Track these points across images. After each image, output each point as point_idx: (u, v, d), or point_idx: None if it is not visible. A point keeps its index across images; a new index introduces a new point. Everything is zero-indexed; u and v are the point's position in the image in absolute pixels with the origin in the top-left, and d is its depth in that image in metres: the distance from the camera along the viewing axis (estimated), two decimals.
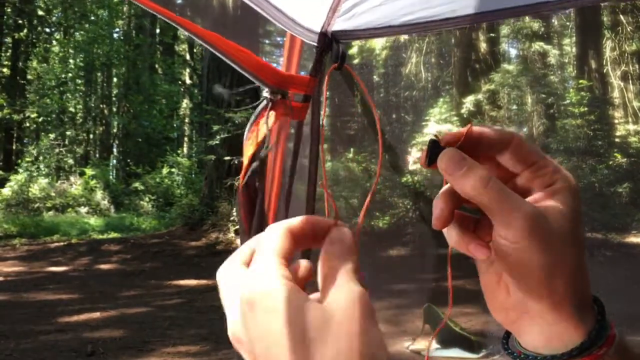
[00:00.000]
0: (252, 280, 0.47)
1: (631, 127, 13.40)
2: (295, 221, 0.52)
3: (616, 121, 13.57)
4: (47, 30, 26.70)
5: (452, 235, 0.59)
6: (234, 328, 0.48)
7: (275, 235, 0.50)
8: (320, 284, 0.49)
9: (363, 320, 0.44)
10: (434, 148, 0.57)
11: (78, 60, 25.93)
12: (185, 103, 29.32)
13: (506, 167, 0.58)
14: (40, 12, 24.81)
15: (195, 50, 26.31)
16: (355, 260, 0.49)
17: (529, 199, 0.55)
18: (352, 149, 15.08)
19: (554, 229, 0.52)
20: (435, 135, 0.58)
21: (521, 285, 0.54)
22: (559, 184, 0.55)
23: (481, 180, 0.52)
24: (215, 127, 12.74)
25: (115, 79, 28.23)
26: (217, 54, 1.11)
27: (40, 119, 23.79)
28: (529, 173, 0.57)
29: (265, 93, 1.14)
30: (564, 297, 0.52)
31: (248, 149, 1.23)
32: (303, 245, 0.52)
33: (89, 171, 20.21)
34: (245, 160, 1.22)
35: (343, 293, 0.46)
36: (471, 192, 0.53)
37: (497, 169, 0.58)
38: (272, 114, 1.15)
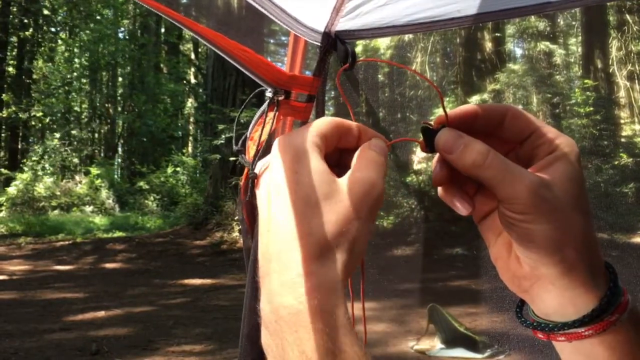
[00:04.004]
0: (290, 134, 0.55)
1: (637, 127, 13.35)
2: (346, 120, 0.59)
3: (622, 121, 13.51)
4: (53, 29, 26.80)
5: (441, 188, 0.60)
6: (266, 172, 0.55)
7: (322, 120, 0.56)
8: (352, 163, 0.55)
9: (359, 207, 0.50)
10: (429, 134, 0.57)
11: (83, 59, 26.05)
12: (190, 102, 29.38)
13: (507, 140, 0.59)
14: (45, 12, 24.88)
15: (200, 50, 26.37)
16: (385, 163, 0.55)
17: (531, 168, 0.55)
18: None
19: (558, 197, 0.52)
20: (425, 122, 0.58)
21: (531, 255, 0.54)
22: (560, 150, 0.55)
23: (480, 155, 0.53)
24: (220, 127, 12.75)
25: (120, 79, 28.34)
26: (220, 53, 1.11)
27: (47, 119, 23.89)
28: (529, 142, 0.57)
29: (269, 93, 1.13)
30: (575, 263, 0.52)
31: (251, 149, 1.23)
32: (347, 140, 0.58)
33: (94, 170, 20.27)
34: (248, 159, 1.22)
35: (359, 177, 0.52)
36: (472, 167, 0.54)
37: (498, 143, 0.59)
38: (276, 114, 1.14)
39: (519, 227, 0.53)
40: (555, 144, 0.55)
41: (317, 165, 0.51)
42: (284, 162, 0.52)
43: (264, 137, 1.24)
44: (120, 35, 27.64)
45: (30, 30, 24.43)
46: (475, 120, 0.58)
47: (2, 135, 24.49)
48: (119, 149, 27.77)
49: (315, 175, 0.51)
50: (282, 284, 0.48)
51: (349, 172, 0.53)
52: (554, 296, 0.54)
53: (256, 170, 0.57)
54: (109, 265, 10.65)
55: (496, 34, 14.42)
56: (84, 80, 26.85)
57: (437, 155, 0.58)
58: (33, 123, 24.57)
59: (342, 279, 0.49)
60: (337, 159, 0.58)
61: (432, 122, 0.59)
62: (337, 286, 0.48)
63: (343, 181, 0.52)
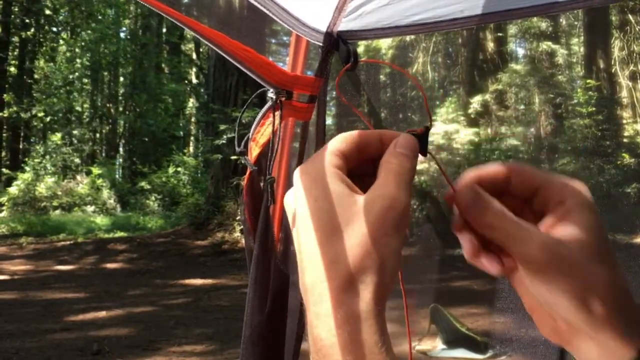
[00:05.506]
0: (308, 161, 0.54)
1: (639, 127, 13.33)
2: (362, 131, 0.56)
3: (624, 121, 13.49)
4: (54, 29, 26.83)
5: (465, 245, 0.58)
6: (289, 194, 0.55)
7: (336, 138, 0.55)
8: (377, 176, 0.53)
9: (382, 225, 0.49)
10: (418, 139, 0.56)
11: (85, 59, 26.04)
12: (192, 102, 29.39)
13: (518, 196, 0.58)
14: (47, 12, 24.91)
15: (201, 50, 26.37)
16: (411, 165, 0.53)
17: (544, 224, 0.54)
18: None
19: (573, 252, 0.51)
20: (409, 130, 0.57)
21: (558, 312, 0.52)
22: (570, 201, 0.54)
23: (495, 216, 0.53)
24: (222, 127, 12.75)
25: (121, 78, 28.35)
26: (221, 53, 1.11)
27: (48, 118, 23.91)
28: (538, 197, 0.56)
29: (271, 93, 1.12)
30: (605, 316, 0.51)
31: (253, 150, 1.22)
32: (368, 150, 0.55)
33: (96, 170, 20.28)
34: (251, 160, 1.21)
35: (379, 194, 0.50)
36: (487, 229, 0.53)
37: (512, 198, 0.57)
38: (278, 114, 1.14)
39: (538, 286, 0.52)
40: (565, 194, 0.54)
41: (336, 188, 0.50)
42: (305, 191, 0.51)
43: (265, 138, 1.23)
44: (122, 35, 27.67)
45: (32, 30, 24.45)
46: (481, 184, 0.57)
47: (4, 135, 24.50)
48: (121, 149, 27.78)
49: (335, 200, 0.50)
50: (317, 316, 0.48)
51: (370, 190, 0.51)
52: (593, 349, 0.52)
53: (288, 198, 0.56)
54: (110, 266, 10.66)
55: (498, 34, 14.41)
56: (85, 80, 26.84)
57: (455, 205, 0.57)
58: (34, 123, 24.60)
59: (375, 303, 0.48)
60: (371, 168, 0.56)
61: (416, 129, 0.58)
62: (370, 313, 0.47)
63: (364, 200, 0.50)
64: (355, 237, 0.48)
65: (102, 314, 6.50)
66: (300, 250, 0.51)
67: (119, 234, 15.14)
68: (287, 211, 0.55)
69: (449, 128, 12.84)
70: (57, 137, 22.04)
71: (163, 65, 27.52)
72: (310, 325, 0.49)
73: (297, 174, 0.53)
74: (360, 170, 0.55)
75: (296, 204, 0.52)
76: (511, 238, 0.52)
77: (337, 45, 1.17)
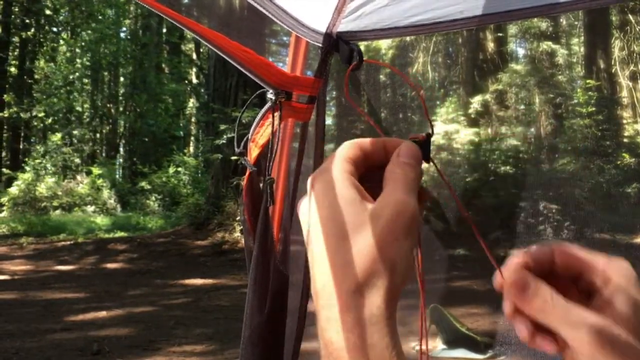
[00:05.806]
0: (321, 168, 0.55)
1: (639, 127, 13.32)
2: (367, 139, 0.57)
3: (624, 121, 13.48)
4: (54, 29, 26.82)
5: (520, 330, 0.58)
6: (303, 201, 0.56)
7: (344, 145, 0.56)
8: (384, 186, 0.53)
9: (392, 230, 0.49)
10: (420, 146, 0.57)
11: (85, 59, 26.04)
12: (192, 102, 29.39)
13: (563, 276, 0.58)
14: (47, 12, 24.90)
15: (201, 50, 26.35)
16: (415, 174, 0.54)
17: (591, 305, 0.54)
18: None
19: (623, 334, 0.51)
20: (412, 137, 0.59)
21: None
22: (614, 282, 0.54)
23: (544, 301, 0.53)
24: (222, 127, 12.74)
25: (122, 78, 28.34)
26: (221, 54, 1.11)
27: (49, 119, 23.92)
28: (583, 277, 0.57)
29: (270, 94, 1.13)
30: None
31: (253, 150, 1.22)
32: (373, 158, 0.56)
33: (96, 170, 20.27)
34: (250, 160, 1.21)
35: (388, 201, 0.51)
36: (537, 314, 0.54)
37: (557, 279, 0.58)
38: (277, 115, 1.14)
39: None
40: (608, 275, 0.55)
41: (347, 194, 0.51)
42: (317, 197, 0.52)
43: (265, 139, 1.23)
44: (122, 35, 27.67)
45: (32, 30, 24.44)
46: (528, 267, 0.57)
47: (4, 135, 24.48)
48: (121, 149, 27.78)
49: (346, 206, 0.50)
50: (327, 319, 0.49)
51: (378, 199, 0.52)
52: None
53: (303, 207, 0.56)
54: (110, 266, 10.65)
55: (498, 34, 14.41)
56: (85, 80, 26.84)
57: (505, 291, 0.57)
58: (35, 123, 24.60)
59: (385, 307, 0.48)
60: (376, 175, 0.56)
61: (418, 135, 0.59)
62: (380, 317, 0.48)
63: (374, 207, 0.51)
64: (366, 242, 0.49)
65: (102, 314, 6.50)
66: (312, 254, 0.52)
67: (119, 234, 15.13)
68: (301, 222, 0.56)
69: (449, 128, 12.84)
70: (57, 137, 22.03)
71: (163, 65, 27.50)
72: (321, 330, 0.50)
73: (309, 182, 0.54)
74: (366, 176, 0.56)
75: (309, 211, 0.53)
76: (561, 322, 0.52)
77: (337, 46, 1.17)
